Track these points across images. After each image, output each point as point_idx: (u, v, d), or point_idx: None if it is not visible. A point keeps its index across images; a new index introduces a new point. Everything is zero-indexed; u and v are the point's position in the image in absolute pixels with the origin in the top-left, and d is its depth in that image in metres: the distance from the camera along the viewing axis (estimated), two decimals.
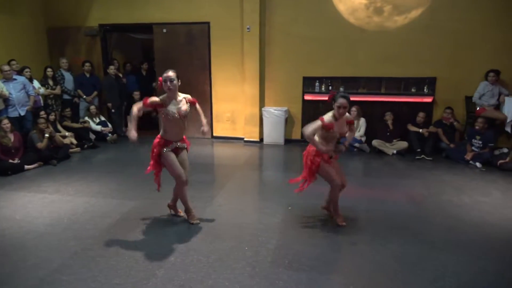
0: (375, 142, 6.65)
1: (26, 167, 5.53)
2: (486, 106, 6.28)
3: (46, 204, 4.29)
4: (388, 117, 6.67)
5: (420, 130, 6.50)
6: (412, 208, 4.23)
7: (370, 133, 6.87)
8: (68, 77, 7.53)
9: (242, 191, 4.86)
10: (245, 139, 7.60)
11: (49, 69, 7.14)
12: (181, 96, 3.62)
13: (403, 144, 6.53)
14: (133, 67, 9.11)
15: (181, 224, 3.76)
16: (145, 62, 8.93)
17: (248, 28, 7.04)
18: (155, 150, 3.63)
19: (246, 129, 7.57)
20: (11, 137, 5.57)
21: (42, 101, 6.91)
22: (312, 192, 3.95)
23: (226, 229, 3.66)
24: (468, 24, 6.42)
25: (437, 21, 6.50)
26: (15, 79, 6.20)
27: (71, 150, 6.46)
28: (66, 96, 7.50)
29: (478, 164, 5.75)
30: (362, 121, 6.80)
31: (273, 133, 7.33)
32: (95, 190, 4.77)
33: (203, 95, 7.70)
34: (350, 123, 3.67)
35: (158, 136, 3.67)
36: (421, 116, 6.58)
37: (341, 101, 3.41)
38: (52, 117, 6.51)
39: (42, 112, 6.21)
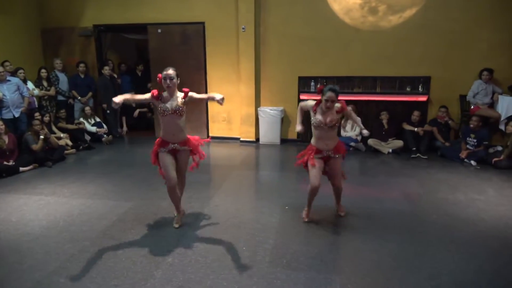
0: (370, 141, 6.68)
1: (21, 169, 5.49)
2: (480, 104, 6.33)
3: (41, 206, 4.26)
4: (384, 117, 6.70)
5: (415, 129, 6.54)
6: (408, 206, 4.26)
7: None
8: (63, 78, 7.49)
9: (238, 191, 4.86)
10: (241, 139, 7.60)
11: (43, 70, 7.09)
12: (179, 94, 3.60)
13: (399, 143, 6.57)
14: (127, 68, 9.08)
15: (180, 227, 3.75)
16: (141, 64, 8.90)
17: (243, 28, 7.04)
18: (154, 147, 3.62)
19: (242, 129, 7.57)
20: (6, 139, 5.52)
21: (36, 103, 6.87)
22: None
23: (224, 229, 3.66)
24: (462, 24, 6.46)
25: (431, 21, 6.54)
26: (8, 80, 6.15)
27: (66, 151, 6.42)
28: (60, 97, 7.46)
29: (473, 162, 5.79)
30: (358, 120, 6.80)
31: (269, 133, 7.34)
32: (91, 191, 4.74)
33: None
34: (341, 112, 3.59)
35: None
36: (416, 115, 6.62)
37: (329, 94, 3.42)
38: (46, 118, 6.47)
39: (37, 114, 6.17)
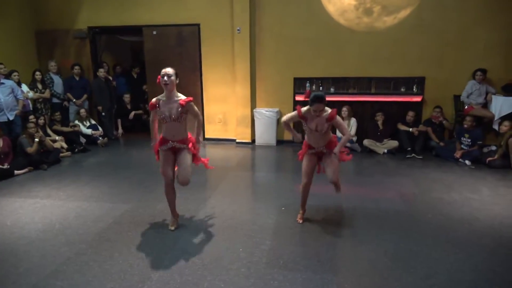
0: (366, 142, 6.71)
1: (16, 172, 5.46)
2: (474, 104, 6.38)
3: (37, 209, 4.24)
4: (379, 117, 6.73)
5: (410, 129, 6.58)
6: (404, 206, 4.28)
7: (361, 133, 6.93)
8: (57, 81, 7.46)
9: (235, 192, 4.86)
10: (237, 140, 7.60)
11: (37, 73, 7.06)
12: (178, 96, 3.54)
13: (394, 143, 6.60)
14: (122, 70, 9.07)
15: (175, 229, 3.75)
16: (137, 67, 8.90)
17: (238, 30, 7.06)
18: (156, 145, 3.64)
19: (238, 130, 7.58)
20: (0, 142, 5.49)
21: (31, 105, 6.83)
22: None
23: (220, 230, 3.66)
24: (456, 24, 6.52)
25: (425, 21, 6.60)
26: (3, 83, 6.11)
27: (61, 154, 6.39)
28: (55, 100, 7.43)
29: (467, 162, 5.84)
30: (353, 121, 6.85)
31: (265, 134, 7.35)
32: (87, 194, 4.73)
33: (194, 97, 7.50)
34: (330, 121, 3.48)
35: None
36: (410, 115, 6.66)
37: (315, 106, 3.38)
38: (41, 121, 6.44)
39: (31, 117, 6.14)
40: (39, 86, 7.06)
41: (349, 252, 3.29)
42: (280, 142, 7.50)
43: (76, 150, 6.81)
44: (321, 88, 7.19)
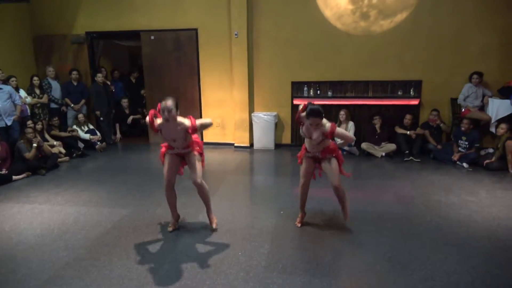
0: (364, 145, 6.73)
1: (14, 177, 5.45)
2: (470, 107, 6.42)
3: (35, 214, 4.23)
4: (376, 121, 6.76)
5: (408, 132, 6.61)
6: (402, 208, 4.29)
7: (358, 136, 6.96)
8: (55, 86, 7.47)
9: (233, 196, 4.87)
10: (235, 144, 7.62)
11: (35, 78, 7.06)
12: (181, 123, 3.38)
13: (391, 146, 6.63)
14: (120, 74, 9.09)
15: (174, 231, 3.74)
16: (136, 71, 8.92)
17: (236, 34, 7.09)
18: (162, 149, 3.66)
19: (236, 134, 7.59)
20: None
21: (29, 111, 6.84)
22: None
23: (219, 234, 3.67)
24: (452, 28, 6.58)
25: (421, 25, 6.65)
26: (0, 89, 6.12)
27: (59, 159, 6.39)
28: (53, 105, 7.43)
29: (465, 165, 5.86)
30: (351, 124, 6.87)
31: (263, 138, 7.37)
32: (85, 199, 4.72)
33: (192, 101, 7.72)
34: (329, 137, 3.43)
35: None
36: (408, 118, 6.69)
37: (312, 119, 3.35)
38: (39, 126, 6.44)
39: (29, 122, 6.14)
40: (37, 91, 7.07)
41: (347, 255, 3.29)
42: (278, 145, 7.52)
43: (74, 155, 6.81)
44: (318, 91, 7.22)
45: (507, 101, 6.14)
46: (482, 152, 6.12)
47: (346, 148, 6.74)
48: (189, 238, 3.61)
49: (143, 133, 8.49)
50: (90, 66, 8.08)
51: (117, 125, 8.33)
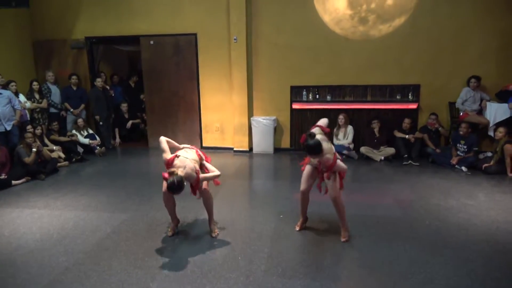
0: (363, 149, 6.75)
1: (14, 182, 5.44)
2: (469, 111, 6.45)
3: (35, 219, 4.23)
4: (375, 125, 6.78)
5: (407, 136, 6.63)
6: (401, 212, 4.30)
7: (357, 140, 6.98)
8: (55, 90, 7.48)
9: (233, 200, 4.87)
10: (235, 149, 7.62)
11: (35, 83, 7.07)
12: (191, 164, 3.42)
13: (390, 150, 6.64)
14: (120, 79, 9.11)
15: (174, 236, 3.74)
16: (135, 75, 8.94)
17: (235, 39, 7.12)
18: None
19: (235, 138, 7.60)
20: None
21: (28, 115, 6.84)
22: None
23: (219, 238, 3.67)
24: (449, 32, 6.62)
25: (419, 29, 6.68)
26: (0, 93, 6.13)
27: (59, 164, 6.38)
28: (52, 110, 7.44)
29: (463, 168, 5.88)
30: (350, 128, 6.89)
31: (262, 142, 7.38)
32: (85, 203, 4.72)
33: (191, 105, 7.74)
34: (328, 170, 3.42)
35: None
36: (407, 122, 6.72)
37: (311, 156, 3.39)
38: (38, 131, 6.43)
39: (29, 127, 6.14)
40: (37, 96, 7.08)
41: (347, 259, 3.30)
42: (277, 150, 7.53)
43: (74, 159, 6.81)
44: (317, 96, 7.25)
45: (505, 105, 6.17)
46: (481, 156, 6.14)
47: (345, 152, 6.75)
48: (189, 242, 3.61)
49: (142, 137, 8.50)
50: (90, 71, 8.10)
51: (117, 130, 8.33)
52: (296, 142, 7.51)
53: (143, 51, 7.73)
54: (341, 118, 6.79)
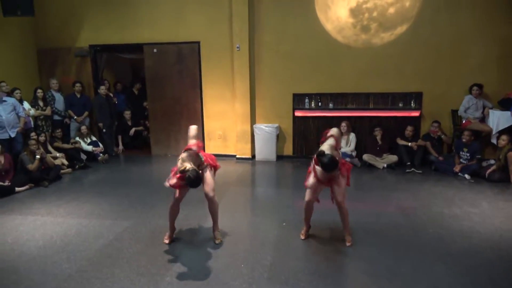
0: (365, 157, 6.75)
1: (17, 189, 5.46)
2: (471, 119, 6.45)
3: (38, 226, 4.24)
4: (377, 133, 6.79)
5: (409, 144, 6.63)
6: (404, 220, 4.29)
7: (360, 148, 6.98)
8: (59, 98, 7.53)
9: (235, 208, 4.87)
10: (237, 156, 7.63)
11: (39, 90, 7.13)
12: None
13: (393, 158, 6.64)
14: (123, 86, 9.17)
15: (176, 243, 3.75)
16: (138, 83, 8.99)
17: (238, 47, 7.17)
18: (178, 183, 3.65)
19: (237, 146, 7.61)
20: (2, 159, 5.52)
21: (32, 122, 6.89)
22: None
23: (221, 246, 3.67)
24: (451, 39, 6.64)
25: (421, 37, 6.72)
26: (4, 101, 6.17)
27: (62, 171, 6.41)
28: (56, 117, 7.48)
29: (466, 176, 5.86)
30: (352, 136, 6.90)
31: (265, 150, 7.39)
32: (88, 210, 4.73)
33: (194, 113, 7.77)
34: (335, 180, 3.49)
35: None
36: (409, 129, 6.72)
37: (329, 173, 3.37)
38: (42, 138, 6.47)
39: (33, 134, 6.18)
40: (41, 103, 7.12)
41: (350, 267, 3.29)
42: (280, 157, 7.53)
43: (77, 166, 6.83)
44: (319, 103, 7.27)
45: (508, 113, 6.17)
46: (484, 164, 6.13)
47: (347, 159, 6.74)
48: (191, 250, 3.61)
49: (145, 145, 8.53)
50: (93, 79, 8.16)
51: (120, 137, 8.36)
52: (299, 149, 7.52)
53: (147, 59, 7.79)
54: (343, 125, 6.80)
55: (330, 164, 3.22)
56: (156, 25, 7.57)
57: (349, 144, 6.87)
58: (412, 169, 6.39)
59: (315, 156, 3.36)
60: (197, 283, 3.00)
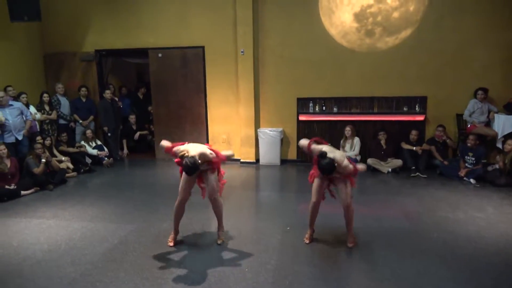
0: (370, 161, 6.73)
1: (23, 192, 5.50)
2: (476, 123, 6.42)
3: (43, 229, 4.26)
4: (382, 137, 6.77)
5: (414, 148, 6.60)
6: (409, 224, 4.27)
7: (364, 152, 6.97)
8: (64, 102, 7.58)
9: (239, 212, 4.87)
10: (241, 160, 7.64)
11: (45, 95, 7.18)
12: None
13: (398, 162, 6.62)
14: (128, 91, 9.22)
15: (180, 247, 3.75)
16: (143, 87, 9.05)
17: (242, 52, 7.20)
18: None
19: (242, 150, 7.62)
20: (8, 163, 5.56)
21: (38, 126, 6.94)
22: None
23: (225, 250, 3.66)
24: (455, 44, 6.63)
25: (425, 42, 6.72)
26: (11, 105, 6.23)
27: (67, 174, 6.45)
28: (62, 121, 7.53)
29: (472, 180, 5.83)
30: (356, 140, 6.89)
31: (269, 154, 7.39)
32: (92, 214, 4.75)
33: (198, 117, 7.80)
34: (344, 177, 3.49)
35: None
36: (414, 134, 6.70)
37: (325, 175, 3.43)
38: (48, 142, 6.52)
39: (39, 137, 6.23)
40: (46, 107, 7.17)
41: (355, 272, 3.27)
42: (284, 161, 7.53)
43: (82, 170, 6.87)
44: (324, 107, 7.27)
45: None
46: (489, 168, 6.09)
47: None
48: (195, 254, 3.61)
49: (150, 149, 8.56)
50: (99, 83, 8.21)
51: (124, 141, 8.40)
52: (303, 153, 7.51)
53: (151, 63, 7.84)
54: (347, 129, 6.79)
55: (327, 168, 3.30)
56: (161, 30, 7.63)
57: (353, 148, 6.85)
58: (417, 173, 6.37)
59: (316, 156, 3.41)
60: (201, 287, 2.99)
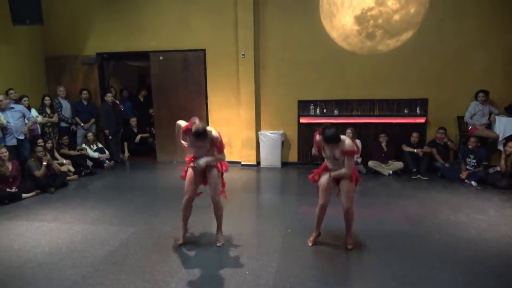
0: (371, 163, 6.72)
1: (24, 195, 5.50)
2: (477, 125, 6.41)
3: (44, 232, 4.26)
4: (383, 139, 6.77)
5: (415, 150, 6.60)
6: (410, 227, 4.26)
7: (365, 154, 6.96)
8: (66, 105, 7.59)
9: (240, 214, 4.87)
10: (242, 162, 7.64)
11: (47, 98, 7.20)
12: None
13: (399, 165, 6.61)
14: (129, 94, 9.24)
15: (181, 250, 3.75)
16: (144, 89, 9.06)
17: (243, 55, 7.21)
18: (186, 165, 3.78)
19: (242, 152, 7.62)
20: (9, 166, 5.57)
21: (39, 129, 6.95)
22: (311, 215, 3.97)
23: (226, 253, 3.66)
24: (456, 46, 6.63)
25: (426, 44, 6.72)
26: (12, 108, 6.25)
27: (68, 177, 6.45)
28: (63, 124, 7.55)
29: (473, 183, 5.82)
30: (357, 142, 6.88)
31: (270, 156, 7.39)
32: (93, 217, 4.75)
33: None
34: (345, 154, 3.47)
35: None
36: (415, 136, 6.69)
37: (329, 145, 3.46)
38: (49, 145, 6.53)
39: (40, 140, 6.23)
40: (48, 110, 7.19)
41: (356, 275, 3.26)
42: (285, 164, 7.53)
43: (83, 173, 6.87)
44: (325, 110, 7.27)
45: None
46: (491, 170, 6.08)
47: None
48: (196, 257, 3.60)
49: (151, 151, 8.57)
50: (100, 86, 8.23)
51: (125, 144, 8.41)
52: (304, 156, 7.51)
53: (153, 66, 7.86)
54: (348, 132, 6.78)
55: (332, 136, 3.38)
56: (162, 33, 7.65)
57: None
58: (418, 175, 6.36)
59: (319, 129, 3.52)
60: None
